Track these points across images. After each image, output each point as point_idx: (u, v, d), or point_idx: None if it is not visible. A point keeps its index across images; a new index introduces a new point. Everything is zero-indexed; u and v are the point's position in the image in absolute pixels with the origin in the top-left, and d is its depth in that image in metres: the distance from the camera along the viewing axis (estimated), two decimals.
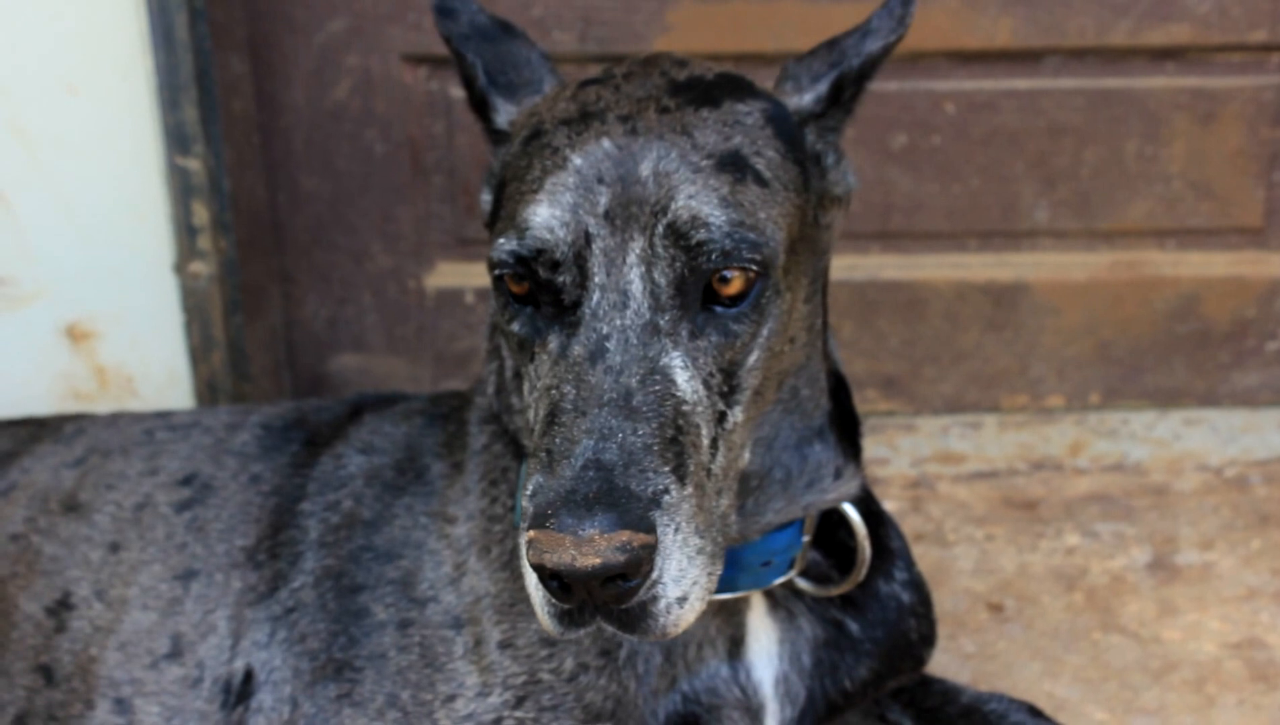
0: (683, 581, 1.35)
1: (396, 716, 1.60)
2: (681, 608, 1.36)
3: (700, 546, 1.37)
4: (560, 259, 1.42)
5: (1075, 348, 2.63)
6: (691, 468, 1.38)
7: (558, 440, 1.36)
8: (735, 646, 1.66)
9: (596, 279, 1.41)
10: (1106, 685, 2.08)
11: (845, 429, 1.70)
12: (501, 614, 1.61)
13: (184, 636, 1.72)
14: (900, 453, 2.60)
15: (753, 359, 1.46)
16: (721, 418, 1.44)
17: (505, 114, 1.63)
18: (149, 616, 1.74)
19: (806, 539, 1.65)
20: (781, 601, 1.69)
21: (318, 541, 1.73)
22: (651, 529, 1.32)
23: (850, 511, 1.68)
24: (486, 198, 1.65)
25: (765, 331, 1.46)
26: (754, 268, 1.43)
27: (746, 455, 1.54)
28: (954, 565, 2.33)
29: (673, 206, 1.41)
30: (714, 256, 1.41)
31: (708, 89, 1.52)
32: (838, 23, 1.84)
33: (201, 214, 2.38)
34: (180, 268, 2.42)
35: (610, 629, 1.37)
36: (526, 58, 1.68)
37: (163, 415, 1.98)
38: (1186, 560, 2.32)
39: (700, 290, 1.43)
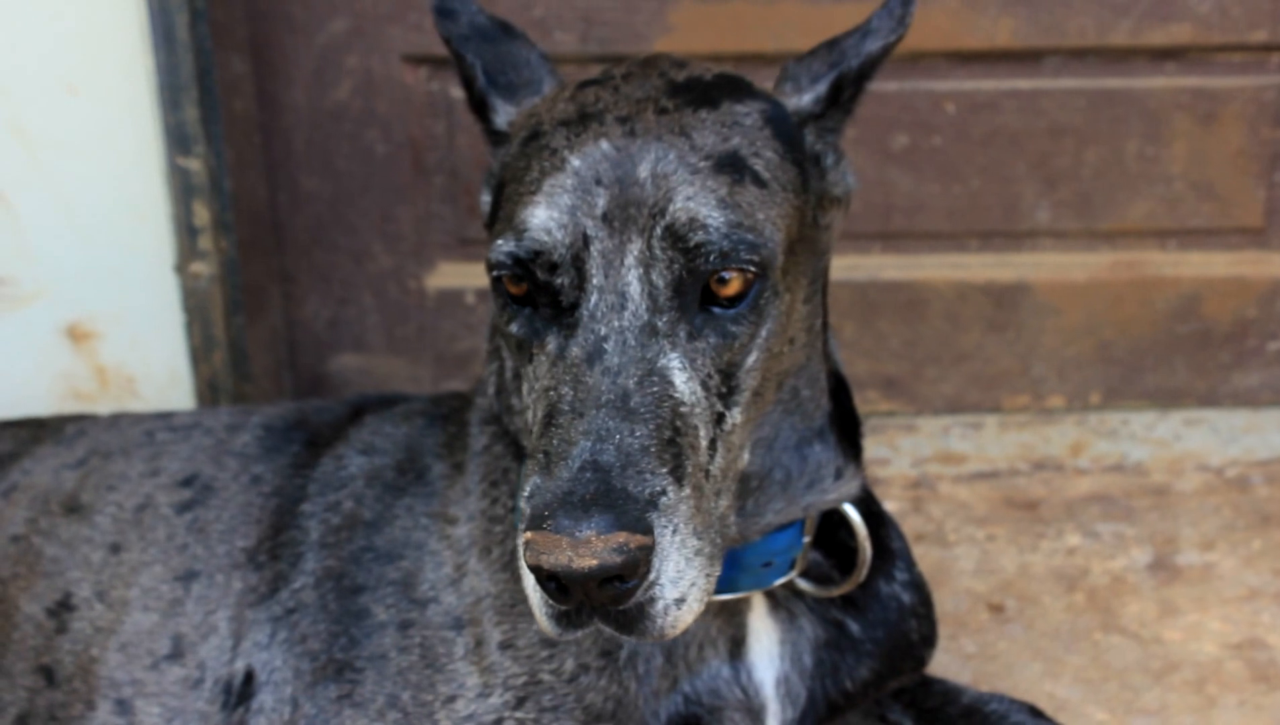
0: (680, 583, 1.35)
1: (397, 717, 1.60)
2: (679, 609, 1.36)
3: (698, 548, 1.37)
4: (558, 261, 1.42)
5: (1076, 348, 2.63)
6: (689, 469, 1.38)
7: (555, 441, 1.36)
8: (737, 647, 1.66)
9: (594, 281, 1.41)
10: (1107, 686, 2.08)
11: (846, 429, 1.70)
12: (502, 615, 1.61)
13: (185, 637, 1.72)
14: (901, 453, 2.60)
15: (751, 360, 1.46)
16: (720, 419, 1.44)
17: (504, 115, 1.63)
18: (150, 617, 1.74)
19: (807, 540, 1.65)
20: (782, 602, 1.69)
21: (318, 542, 1.73)
22: (649, 530, 1.32)
23: (851, 512, 1.68)
24: (486, 199, 1.65)
25: (764, 332, 1.46)
26: (752, 269, 1.43)
27: (746, 456, 1.54)
28: (955, 565, 2.33)
29: (671, 208, 1.41)
30: (712, 258, 1.41)
31: (706, 90, 1.52)
32: (839, 23, 1.83)
33: (202, 214, 2.38)
34: (181, 268, 2.42)
35: (608, 630, 1.37)
36: (526, 58, 1.68)
37: (163, 416, 1.98)
38: (1187, 561, 2.32)
39: (698, 291, 1.43)
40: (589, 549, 1.30)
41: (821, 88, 1.58)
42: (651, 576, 1.33)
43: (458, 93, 2.45)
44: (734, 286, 1.43)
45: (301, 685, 1.65)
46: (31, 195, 2.40)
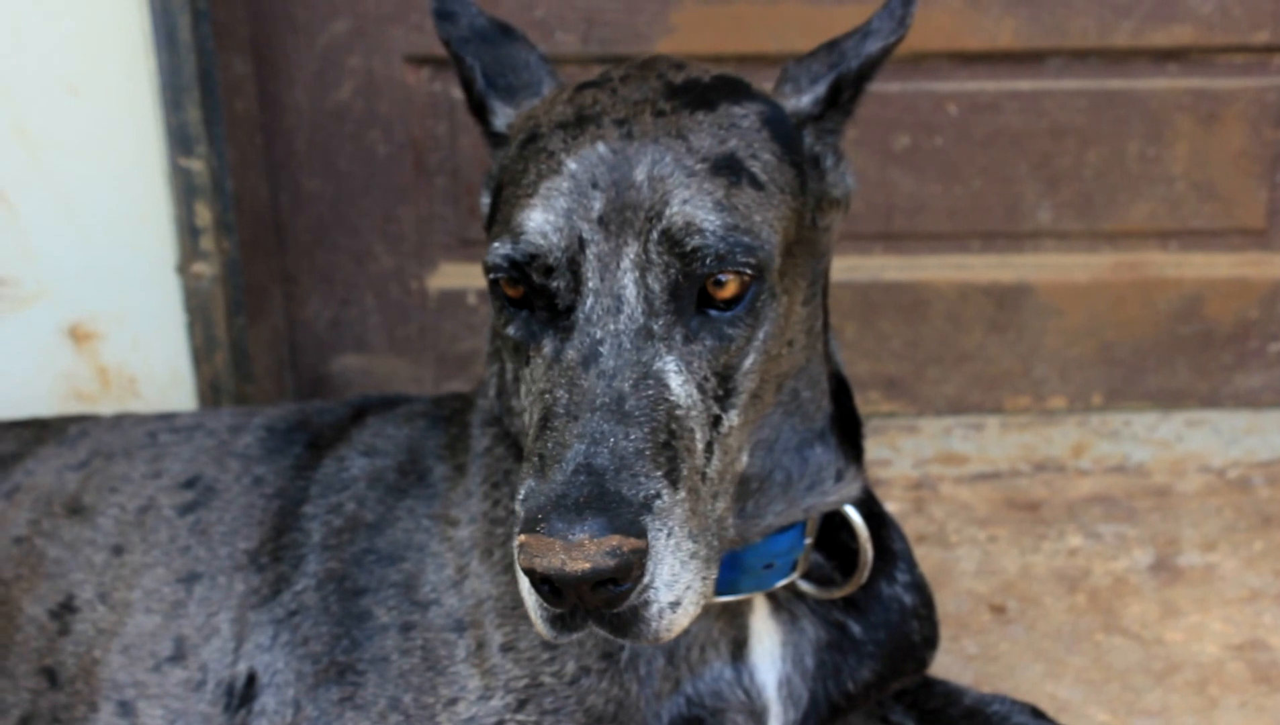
0: (675, 586, 1.35)
1: (399, 720, 1.60)
2: (674, 612, 1.36)
3: (694, 551, 1.37)
4: (554, 264, 1.42)
5: (1078, 349, 2.63)
6: (685, 472, 1.38)
7: (550, 444, 1.36)
8: (738, 649, 1.66)
9: (590, 284, 1.41)
10: (1109, 687, 2.08)
11: (847, 431, 1.70)
12: (503, 617, 1.61)
13: (187, 639, 1.73)
14: (902, 454, 2.60)
15: (748, 362, 1.46)
16: (716, 421, 1.44)
17: (504, 117, 1.63)
18: (152, 619, 1.75)
19: (809, 541, 1.65)
20: (784, 604, 1.69)
21: (320, 544, 1.73)
22: (642, 534, 1.32)
23: (852, 514, 1.68)
24: (485, 201, 1.65)
25: (761, 335, 1.46)
26: (749, 271, 1.43)
27: (745, 458, 1.53)
28: (956, 567, 2.33)
29: (667, 212, 1.41)
30: (708, 261, 1.41)
31: (704, 92, 1.52)
32: (840, 24, 1.84)
33: (204, 215, 2.38)
34: (183, 268, 2.42)
35: (602, 633, 1.37)
36: (525, 60, 1.68)
37: (166, 417, 1.98)
38: (1189, 562, 2.32)
39: (695, 294, 1.42)
40: (582, 552, 1.30)
41: (820, 89, 1.58)
42: (646, 580, 1.33)
43: (459, 93, 2.43)
44: (730, 289, 1.43)
45: (303, 687, 1.65)
46: (33, 196, 2.40)
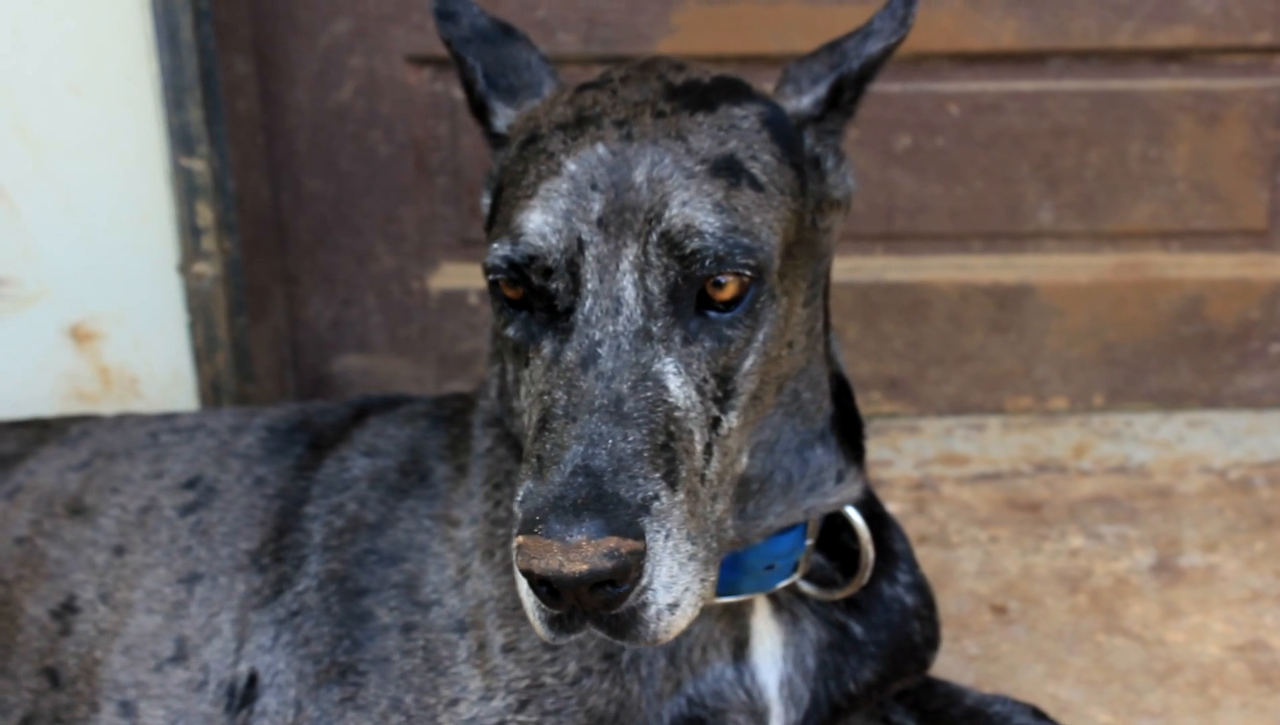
0: (674, 588, 1.35)
1: (400, 720, 1.60)
2: (673, 614, 1.36)
3: (692, 552, 1.37)
4: (553, 266, 1.42)
5: (1079, 349, 2.63)
6: (684, 473, 1.38)
7: (548, 446, 1.36)
8: (740, 649, 1.66)
9: (589, 285, 1.41)
10: (1110, 687, 2.08)
11: (848, 432, 1.70)
12: (505, 618, 1.61)
13: (188, 640, 1.73)
14: (904, 454, 2.60)
15: (748, 364, 1.46)
16: (716, 423, 1.44)
17: (504, 118, 1.63)
18: (153, 620, 1.75)
19: (810, 542, 1.65)
20: (785, 604, 1.69)
21: (322, 544, 1.73)
22: (640, 535, 1.32)
23: (853, 515, 1.68)
24: (486, 201, 1.65)
25: (760, 336, 1.46)
26: (748, 273, 1.42)
27: (744, 460, 1.53)
28: (957, 567, 2.33)
29: (666, 214, 1.41)
30: (707, 263, 1.41)
31: (704, 93, 1.51)
32: (842, 24, 1.83)
33: (206, 215, 2.38)
34: (184, 268, 2.43)
35: (600, 635, 1.37)
36: (526, 61, 1.68)
37: (167, 417, 1.98)
38: (1190, 562, 2.32)
39: (694, 296, 1.42)
40: (579, 554, 1.30)
41: (821, 90, 1.57)
42: (644, 581, 1.33)
43: (460, 94, 2.44)
44: (730, 290, 1.43)
45: (305, 688, 1.65)
46: (35, 195, 2.40)
